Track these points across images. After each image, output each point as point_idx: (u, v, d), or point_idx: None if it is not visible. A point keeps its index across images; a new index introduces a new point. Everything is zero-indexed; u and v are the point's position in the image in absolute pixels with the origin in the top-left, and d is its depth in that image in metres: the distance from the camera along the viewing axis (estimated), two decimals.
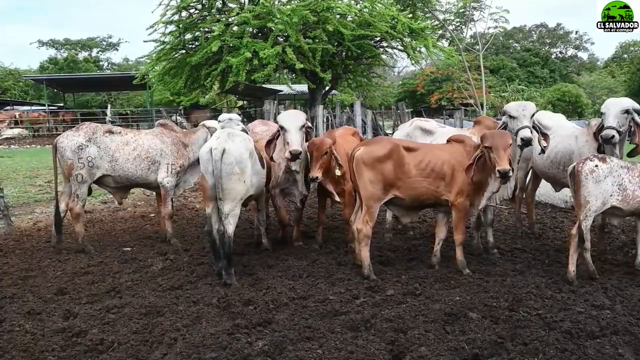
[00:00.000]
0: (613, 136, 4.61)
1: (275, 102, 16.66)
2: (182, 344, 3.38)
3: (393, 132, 13.56)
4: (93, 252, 5.63)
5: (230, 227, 4.52)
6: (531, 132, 4.65)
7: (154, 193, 6.70)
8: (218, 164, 4.41)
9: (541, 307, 3.86)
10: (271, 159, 5.26)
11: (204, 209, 7.91)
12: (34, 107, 34.27)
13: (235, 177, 4.50)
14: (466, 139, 4.87)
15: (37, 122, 28.37)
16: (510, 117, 4.74)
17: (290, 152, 4.91)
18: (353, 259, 5.02)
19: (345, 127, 6.91)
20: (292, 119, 5.11)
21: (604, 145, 4.83)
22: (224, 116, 5.73)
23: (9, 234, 6.51)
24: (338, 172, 5.10)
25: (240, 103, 34.21)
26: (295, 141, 4.99)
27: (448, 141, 4.91)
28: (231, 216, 4.52)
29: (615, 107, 4.73)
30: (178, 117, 26.25)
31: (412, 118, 8.49)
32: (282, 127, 5.08)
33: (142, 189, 8.14)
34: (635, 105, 4.77)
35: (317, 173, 4.99)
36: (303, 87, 24.20)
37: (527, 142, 4.61)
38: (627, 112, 4.71)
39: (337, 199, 5.48)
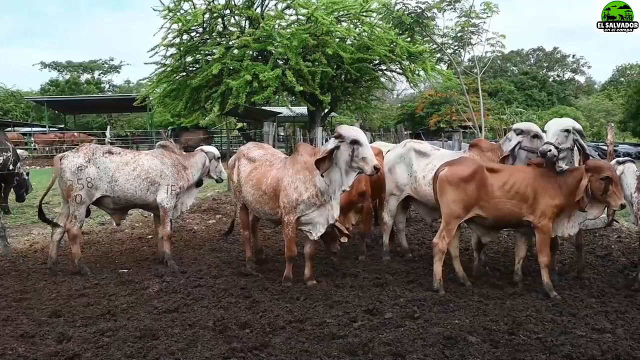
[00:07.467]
0: (550, 150, 4.55)
1: (275, 124, 16.70)
2: None
3: None
4: (89, 274, 5.58)
5: None
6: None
7: (152, 214, 6.68)
8: None
9: (541, 331, 3.82)
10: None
11: (201, 230, 7.99)
12: (34, 129, 34.36)
13: None
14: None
15: (51, 143, 28.29)
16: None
17: (374, 167, 4.65)
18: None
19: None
20: (363, 134, 4.88)
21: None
22: None
23: (5, 256, 6.46)
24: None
25: (240, 125, 34.37)
26: (373, 155, 4.76)
27: (528, 164, 4.98)
28: None
29: (555, 127, 4.69)
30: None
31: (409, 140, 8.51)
32: (355, 142, 4.69)
33: (140, 211, 8.12)
34: (577, 125, 4.77)
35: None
36: (303, 109, 24.34)
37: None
38: (567, 131, 4.68)
39: (342, 241, 5.47)
